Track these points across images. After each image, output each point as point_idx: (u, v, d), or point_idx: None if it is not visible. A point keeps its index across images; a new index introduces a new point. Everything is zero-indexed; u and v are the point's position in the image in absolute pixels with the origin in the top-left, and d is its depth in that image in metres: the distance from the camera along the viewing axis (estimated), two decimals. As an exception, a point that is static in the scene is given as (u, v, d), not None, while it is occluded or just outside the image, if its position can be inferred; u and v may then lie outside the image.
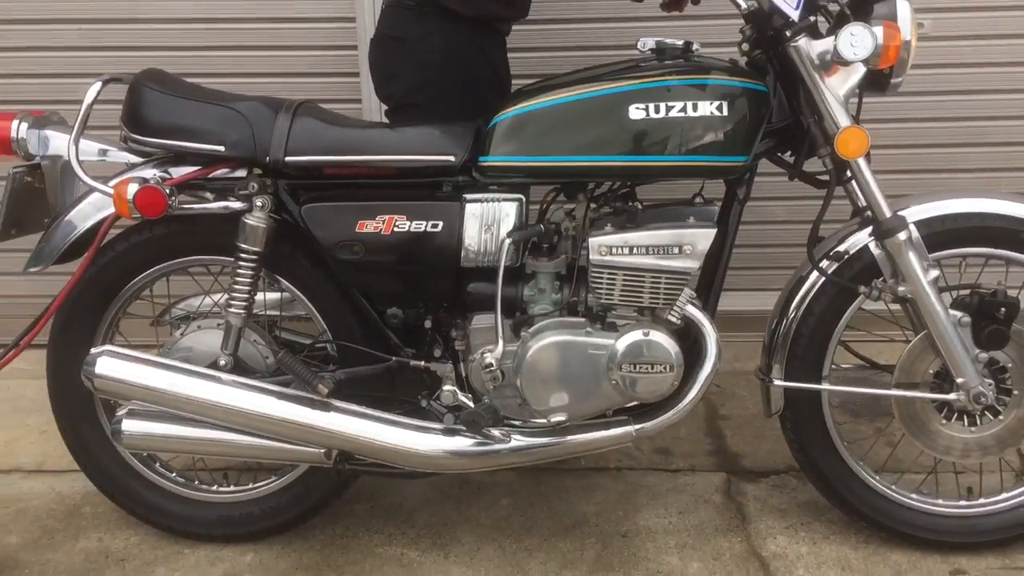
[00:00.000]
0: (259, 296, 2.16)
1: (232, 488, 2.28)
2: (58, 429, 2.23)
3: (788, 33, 1.88)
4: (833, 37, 1.84)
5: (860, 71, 1.91)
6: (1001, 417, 2.07)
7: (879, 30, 1.81)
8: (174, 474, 2.28)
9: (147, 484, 2.25)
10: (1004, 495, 2.17)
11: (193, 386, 2.02)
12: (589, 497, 2.42)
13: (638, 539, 2.25)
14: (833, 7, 1.95)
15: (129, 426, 2.06)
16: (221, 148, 1.98)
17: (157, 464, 2.28)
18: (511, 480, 2.49)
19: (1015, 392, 2.05)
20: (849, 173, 1.97)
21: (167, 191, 1.93)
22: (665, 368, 1.94)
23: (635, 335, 1.94)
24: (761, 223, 2.93)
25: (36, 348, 2.81)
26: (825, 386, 2.11)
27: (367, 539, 2.28)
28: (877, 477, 2.18)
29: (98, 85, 2.02)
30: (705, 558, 2.18)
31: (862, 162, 1.94)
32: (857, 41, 1.80)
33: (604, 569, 2.15)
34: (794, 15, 1.80)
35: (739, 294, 2.82)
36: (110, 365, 2.02)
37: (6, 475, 2.58)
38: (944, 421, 2.08)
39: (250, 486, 2.27)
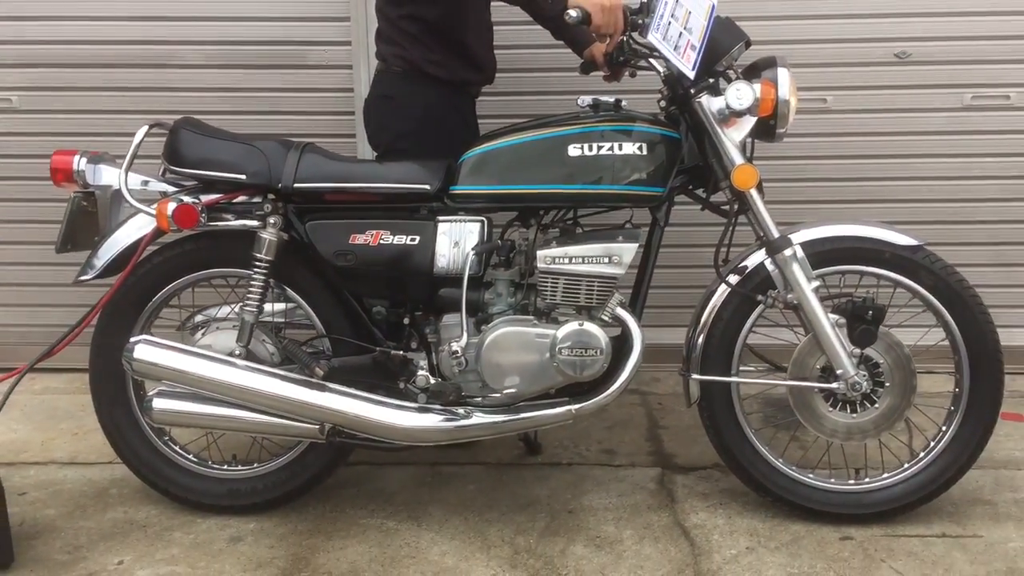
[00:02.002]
0: (267, 307, 2.63)
1: (240, 467, 2.70)
2: (95, 412, 2.65)
3: (693, 91, 2.40)
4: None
5: (750, 122, 2.41)
6: (877, 405, 2.50)
7: (758, 87, 2.32)
8: (190, 455, 2.70)
9: (168, 461, 2.66)
10: (886, 475, 2.59)
11: (214, 369, 2.45)
12: (543, 484, 2.83)
13: (582, 514, 2.66)
14: (731, 73, 2.48)
15: (159, 404, 2.49)
16: (243, 177, 2.46)
17: (177, 446, 2.70)
18: (477, 471, 2.91)
19: (887, 384, 2.49)
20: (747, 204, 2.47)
21: (199, 208, 2.41)
22: (596, 352, 2.40)
23: (572, 325, 2.40)
24: (698, 267, 3.39)
25: (67, 371, 3.30)
26: (733, 379, 2.56)
27: (352, 513, 2.68)
28: (780, 459, 2.61)
29: (145, 128, 2.51)
30: (637, 528, 2.59)
31: (755, 193, 2.43)
32: (741, 94, 2.31)
33: (551, 535, 2.55)
34: (690, 74, 2.31)
35: (680, 330, 3.26)
36: (146, 351, 2.46)
37: (43, 466, 2.99)
38: (830, 408, 2.52)
39: (255, 465, 2.69)
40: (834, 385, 2.47)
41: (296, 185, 2.45)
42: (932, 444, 2.57)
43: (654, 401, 3.48)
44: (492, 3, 2.84)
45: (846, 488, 2.59)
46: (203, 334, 2.61)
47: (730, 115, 2.39)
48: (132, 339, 2.49)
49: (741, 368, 2.58)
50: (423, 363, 2.51)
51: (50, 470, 2.96)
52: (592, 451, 3.06)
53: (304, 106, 3.54)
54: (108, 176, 2.54)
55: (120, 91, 3.54)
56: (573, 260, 2.41)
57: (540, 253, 2.43)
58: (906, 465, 2.58)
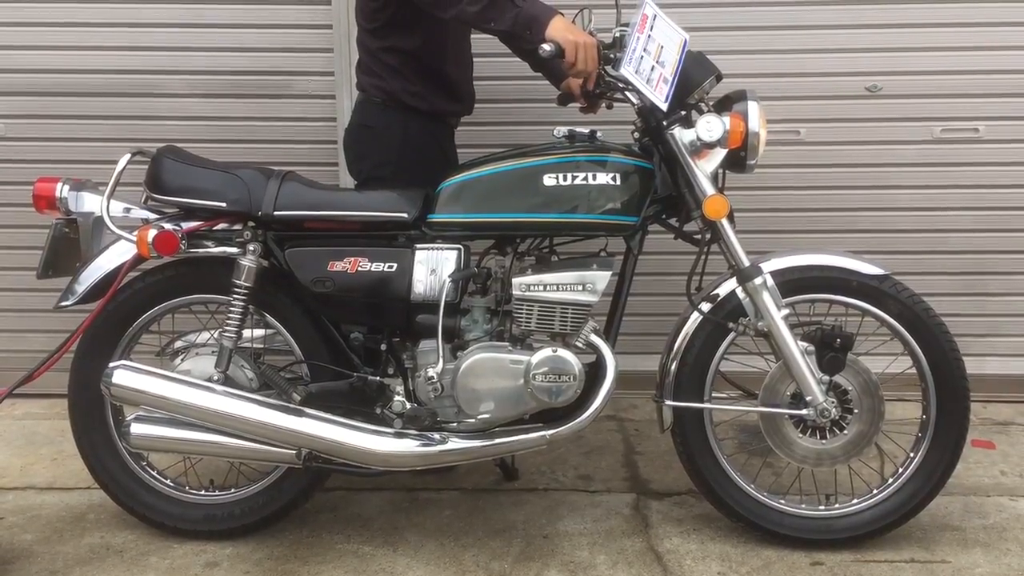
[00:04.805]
0: (246, 333, 2.65)
1: (217, 492, 2.72)
2: (73, 437, 2.67)
3: (665, 123, 2.46)
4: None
5: (721, 153, 2.46)
6: (846, 432, 2.54)
7: (727, 119, 2.38)
8: (168, 480, 2.72)
9: (145, 486, 2.68)
10: (856, 501, 2.63)
11: (192, 395, 2.48)
12: (519, 510, 2.86)
13: (557, 539, 2.68)
14: (703, 105, 2.53)
15: (137, 429, 2.51)
16: (223, 205, 2.50)
17: (154, 471, 2.72)
18: (455, 497, 2.94)
19: (856, 410, 2.54)
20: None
21: (179, 235, 2.45)
22: (570, 378, 2.43)
23: (547, 351, 2.44)
24: (672, 295, 3.42)
25: (47, 396, 3.32)
26: (706, 405, 2.60)
27: (329, 538, 2.70)
28: (752, 484, 2.64)
29: (128, 156, 2.55)
30: (611, 552, 2.61)
31: (726, 222, 2.48)
32: (711, 127, 2.37)
33: (526, 560, 2.58)
34: (663, 106, 2.37)
35: (656, 357, 3.30)
36: (124, 376, 2.49)
37: (22, 491, 3.00)
38: (800, 435, 2.56)
39: (232, 490, 2.71)
40: (803, 411, 2.51)
41: (276, 213, 2.49)
42: (900, 470, 2.61)
43: (631, 427, 3.51)
44: (472, 35, 2.90)
45: (817, 514, 2.63)
46: (182, 360, 2.63)
47: (701, 147, 2.44)
48: (111, 364, 2.51)
49: (714, 394, 2.62)
50: (399, 389, 2.54)
51: (28, 495, 2.97)
52: (569, 477, 3.09)
53: (287, 135, 3.59)
54: (90, 203, 2.57)
55: (104, 119, 3.59)
56: (548, 288, 2.45)
57: (516, 280, 2.47)
58: (875, 491, 2.62)
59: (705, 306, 2.57)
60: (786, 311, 2.49)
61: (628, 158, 2.51)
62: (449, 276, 2.49)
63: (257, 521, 2.67)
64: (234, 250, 2.52)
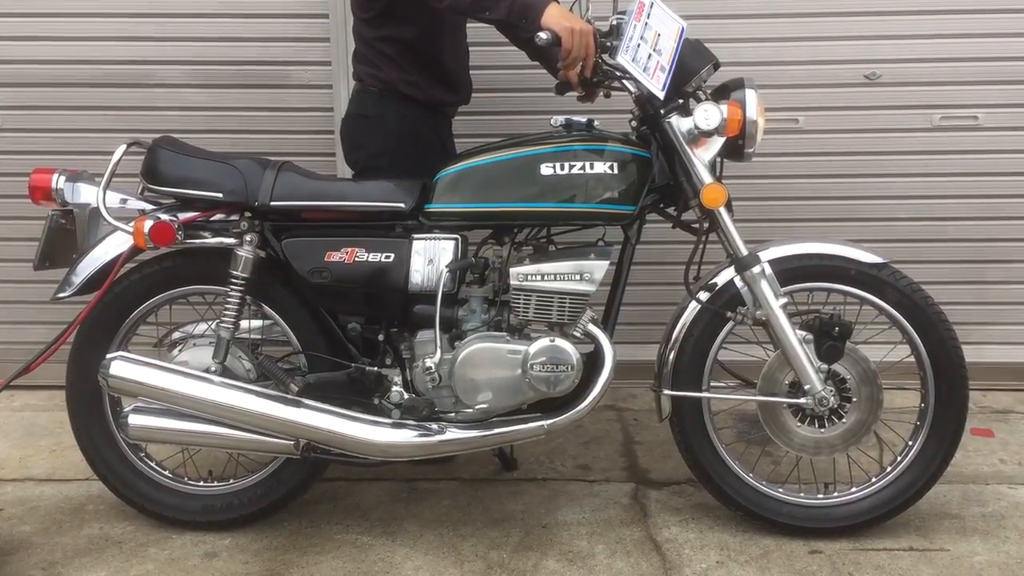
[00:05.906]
0: (244, 323, 2.65)
1: (216, 482, 2.71)
2: (72, 428, 2.66)
3: (663, 112, 2.45)
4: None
5: (719, 141, 2.45)
6: (844, 420, 2.54)
7: (724, 107, 2.37)
8: (166, 471, 2.72)
9: (144, 477, 2.68)
10: (854, 489, 2.63)
11: (190, 385, 2.48)
12: (517, 500, 2.86)
13: (555, 529, 2.68)
14: (700, 94, 2.52)
15: (134, 420, 2.51)
16: (220, 195, 2.49)
17: (153, 462, 2.72)
18: (453, 487, 2.94)
19: (854, 399, 2.53)
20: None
21: (176, 226, 2.45)
22: (568, 368, 2.43)
23: (544, 341, 2.44)
24: (670, 284, 3.41)
25: (46, 388, 3.32)
26: (704, 394, 2.60)
27: (328, 529, 2.70)
28: (751, 473, 2.64)
29: (123, 146, 2.54)
30: (609, 542, 2.61)
31: (723, 211, 2.48)
32: (708, 115, 2.36)
33: (524, 550, 2.58)
34: (660, 95, 2.36)
35: (655, 346, 3.30)
36: (122, 367, 2.48)
37: (21, 483, 3.00)
38: (799, 423, 2.56)
39: (230, 481, 2.70)
40: (802, 400, 2.51)
41: (272, 203, 2.48)
42: (899, 459, 2.61)
43: (630, 417, 3.51)
44: (468, 24, 2.89)
45: (815, 502, 2.63)
46: (180, 351, 2.63)
47: (699, 135, 2.43)
48: (108, 355, 2.51)
49: (712, 384, 2.62)
50: (397, 379, 2.54)
51: (27, 487, 2.97)
52: (567, 466, 3.09)
53: (284, 125, 3.57)
54: (86, 194, 2.57)
55: (100, 110, 3.57)
56: (545, 277, 2.45)
57: (513, 270, 2.46)
58: (874, 479, 2.62)
59: (703, 295, 2.56)
60: (784, 300, 2.48)
61: (625, 147, 2.50)
62: (447, 266, 2.48)
63: (256, 512, 2.67)
64: (231, 241, 2.52)
